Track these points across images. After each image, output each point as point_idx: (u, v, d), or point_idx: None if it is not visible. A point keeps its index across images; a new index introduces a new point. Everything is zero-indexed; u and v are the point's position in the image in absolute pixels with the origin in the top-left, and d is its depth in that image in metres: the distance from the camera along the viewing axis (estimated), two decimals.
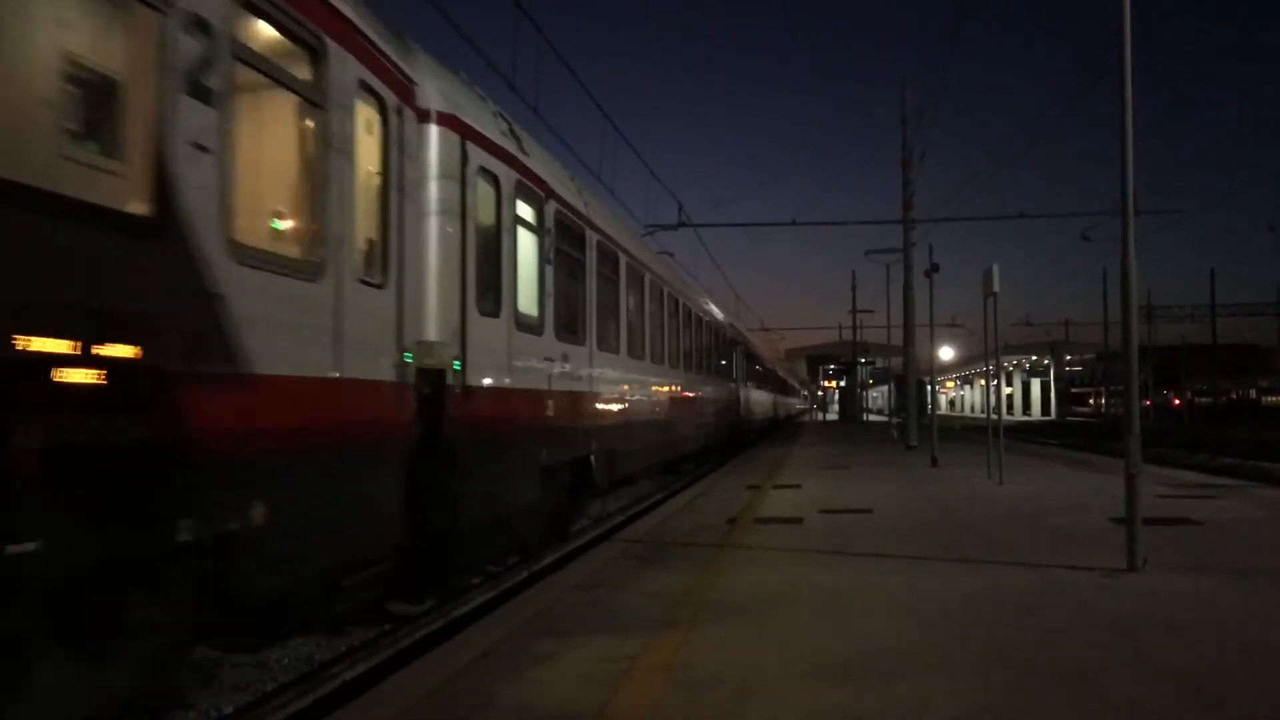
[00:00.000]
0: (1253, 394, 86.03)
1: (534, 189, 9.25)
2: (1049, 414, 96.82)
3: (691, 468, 21.41)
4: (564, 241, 10.29)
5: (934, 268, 22.44)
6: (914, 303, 26.05)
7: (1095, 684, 4.51)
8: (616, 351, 12.76)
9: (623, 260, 13.31)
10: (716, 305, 27.45)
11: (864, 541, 8.85)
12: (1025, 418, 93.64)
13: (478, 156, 7.79)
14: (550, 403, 9.46)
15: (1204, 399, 78.91)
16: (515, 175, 8.67)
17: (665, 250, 25.32)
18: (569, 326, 10.44)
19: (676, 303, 18.10)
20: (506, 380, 8.33)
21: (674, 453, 17.97)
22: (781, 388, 58.31)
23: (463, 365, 7.28)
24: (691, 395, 19.57)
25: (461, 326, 7.35)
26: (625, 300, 13.48)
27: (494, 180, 8.20)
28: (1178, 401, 72.50)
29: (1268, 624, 5.62)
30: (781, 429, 49.74)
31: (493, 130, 8.26)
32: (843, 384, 66.90)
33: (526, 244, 9.05)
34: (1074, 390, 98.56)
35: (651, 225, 27.51)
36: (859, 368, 59.73)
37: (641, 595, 6.63)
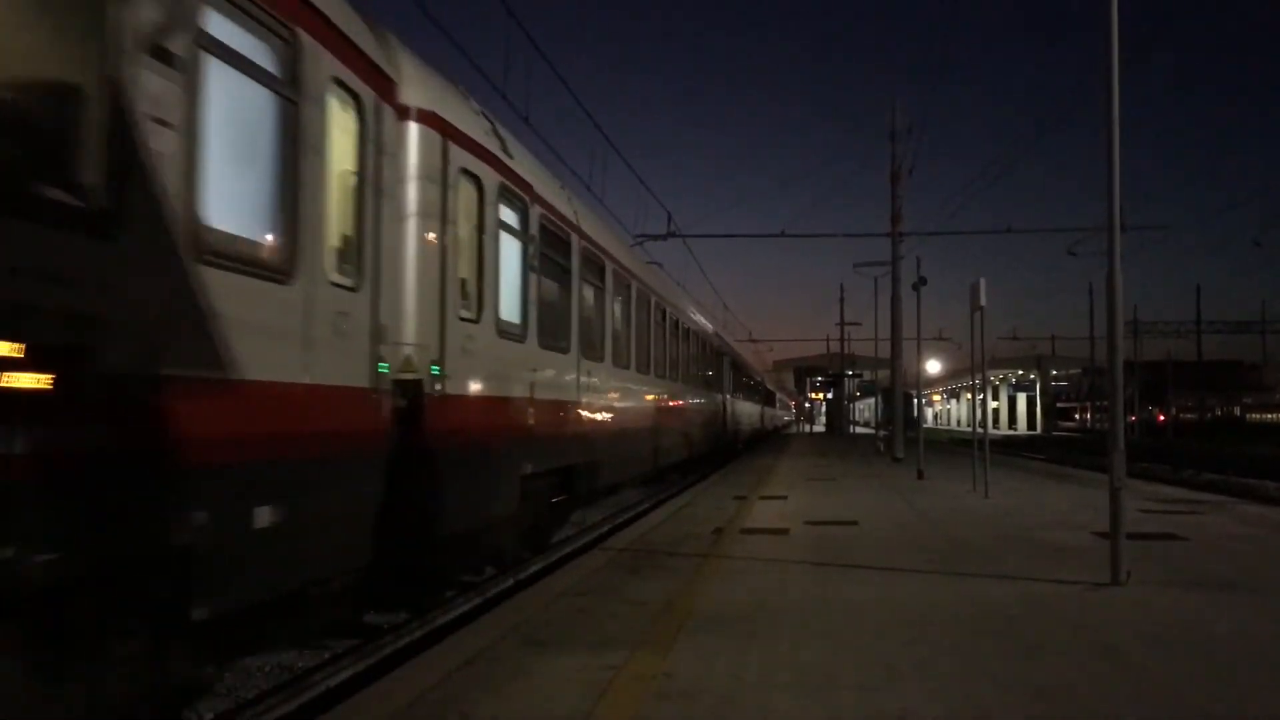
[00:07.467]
0: (1237, 410, 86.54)
1: (519, 192, 9.16)
2: (1035, 428, 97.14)
3: (678, 478, 21.51)
4: (548, 246, 10.23)
5: (921, 281, 22.53)
6: (901, 315, 26.16)
7: (1077, 697, 4.52)
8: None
9: (609, 268, 13.55)
10: (705, 317, 27.37)
11: (849, 553, 8.85)
12: (1011, 431, 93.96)
13: (459, 157, 7.67)
14: (530, 411, 9.38)
15: (1189, 415, 79.30)
16: (499, 177, 8.55)
17: (654, 261, 25.34)
18: (554, 333, 10.47)
19: (664, 312, 18.20)
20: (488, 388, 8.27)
21: (662, 461, 17.80)
22: (769, 399, 58.38)
23: (442, 369, 7.25)
24: (679, 408, 19.85)
25: (442, 329, 7.27)
26: (612, 309, 13.71)
27: (478, 182, 8.09)
28: (1162, 417, 72.84)
29: (1251, 639, 5.65)
30: (770, 440, 49.78)
31: (476, 130, 8.14)
32: (830, 396, 66.97)
33: (508, 247, 8.91)
34: (1060, 404, 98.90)
35: (641, 235, 27.61)
36: (846, 380, 59.79)
37: (627, 604, 6.61)
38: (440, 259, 7.27)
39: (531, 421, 9.34)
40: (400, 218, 6.90)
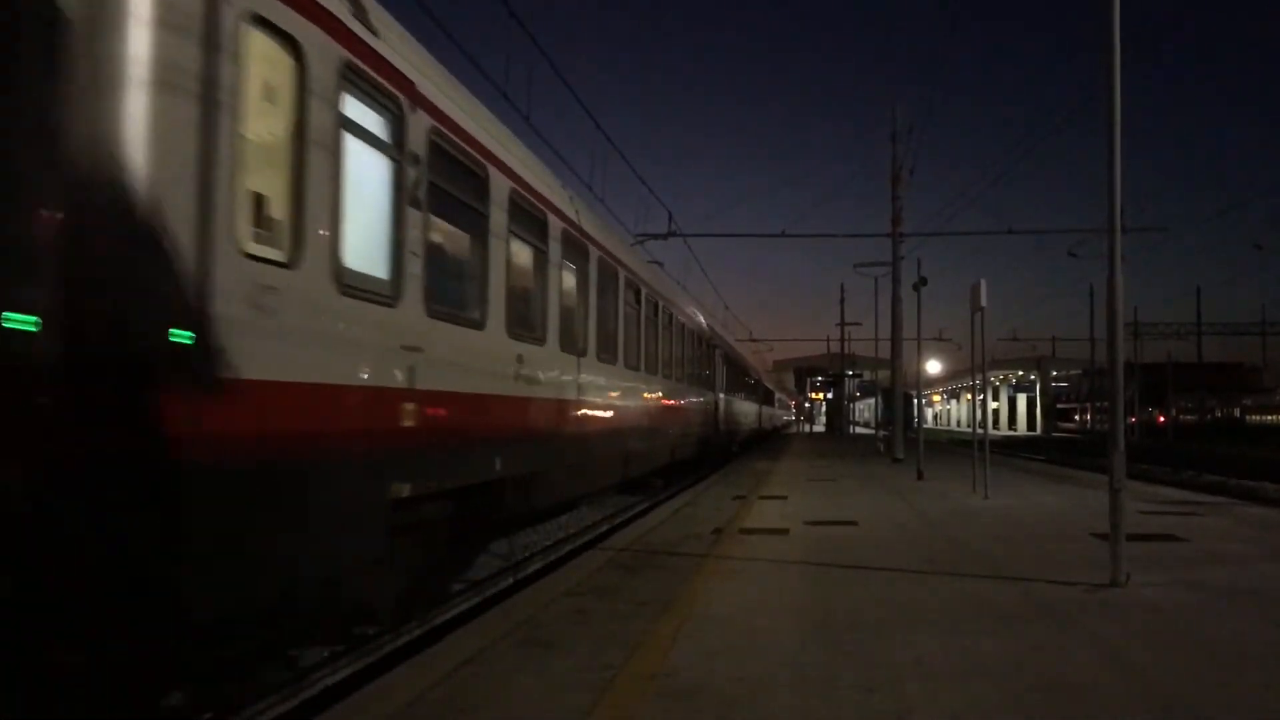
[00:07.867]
0: (1237, 412, 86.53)
1: (384, 84, 6.27)
2: (1035, 429, 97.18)
3: (662, 484, 19.57)
4: (443, 175, 7.24)
5: (922, 281, 22.55)
6: (901, 316, 26.20)
7: (1077, 697, 4.52)
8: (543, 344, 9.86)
9: (552, 223, 10.22)
10: (695, 305, 25.22)
11: (848, 554, 8.85)
12: (1011, 432, 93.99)
13: None
14: (410, 408, 6.55)
15: (1189, 416, 79.31)
16: (342, 52, 5.70)
17: (655, 260, 25.30)
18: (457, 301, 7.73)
19: (638, 292, 15.28)
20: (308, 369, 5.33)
21: (633, 469, 15.20)
22: (767, 398, 58.30)
23: (201, 337, 4.45)
24: (655, 405, 16.96)
25: (202, 270, 4.46)
26: (559, 279, 10.56)
27: (293, 48, 5.22)
28: (1162, 419, 72.83)
29: (1249, 640, 5.65)
30: (769, 440, 49.80)
31: None
32: (829, 396, 67.02)
33: (365, 165, 6.13)
34: (1060, 406, 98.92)
35: (642, 235, 27.73)
36: (846, 380, 59.86)
37: (626, 604, 6.61)
38: (198, 154, 4.47)
39: (411, 423, 6.56)
40: (110, 77, 4.19)
